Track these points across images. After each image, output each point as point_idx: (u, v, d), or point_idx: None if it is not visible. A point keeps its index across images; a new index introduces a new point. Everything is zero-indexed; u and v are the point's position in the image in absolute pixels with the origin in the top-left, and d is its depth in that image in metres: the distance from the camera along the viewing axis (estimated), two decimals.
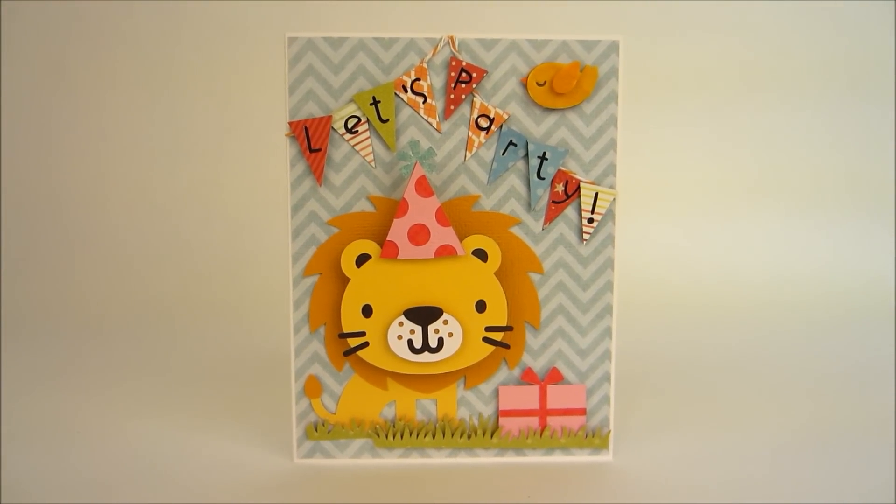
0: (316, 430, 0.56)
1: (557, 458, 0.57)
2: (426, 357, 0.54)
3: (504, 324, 0.54)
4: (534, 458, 0.57)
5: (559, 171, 0.54)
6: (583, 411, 0.57)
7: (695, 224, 1.06)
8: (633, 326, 0.86)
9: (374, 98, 0.53)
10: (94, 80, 1.06)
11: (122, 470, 0.55)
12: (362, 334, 0.54)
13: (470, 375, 0.56)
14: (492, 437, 0.56)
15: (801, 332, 0.92)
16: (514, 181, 0.55)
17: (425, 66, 0.53)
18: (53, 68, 1.06)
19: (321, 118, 0.53)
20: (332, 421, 0.57)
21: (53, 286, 1.02)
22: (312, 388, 0.56)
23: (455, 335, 0.53)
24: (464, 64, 0.53)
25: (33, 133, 1.07)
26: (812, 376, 0.77)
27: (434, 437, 0.56)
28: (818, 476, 0.54)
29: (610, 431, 0.57)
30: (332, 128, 0.54)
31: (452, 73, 0.53)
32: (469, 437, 0.56)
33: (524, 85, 0.54)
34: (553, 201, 0.55)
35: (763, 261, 1.05)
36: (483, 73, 0.53)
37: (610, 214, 0.55)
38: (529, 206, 0.55)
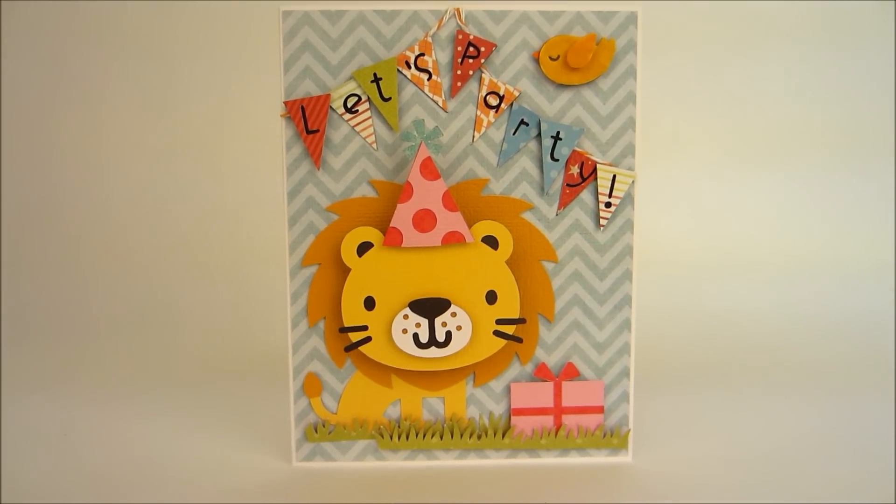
0: (316, 432, 0.56)
1: (573, 459, 0.56)
2: (433, 352, 0.53)
3: (516, 316, 0.53)
4: (548, 460, 0.56)
5: (574, 151, 0.53)
6: (600, 409, 0.56)
7: (720, 209, 1.05)
8: (654, 318, 0.85)
9: (375, 75, 0.52)
10: (84, 61, 1.05)
11: (112, 473, 0.55)
12: (364, 328, 0.53)
13: (480, 372, 0.55)
14: (503, 437, 0.56)
15: (830, 328, 0.91)
16: (525, 163, 0.54)
17: (430, 40, 0.52)
18: (52, 56, 1.05)
19: (319, 97, 0.52)
20: (332, 421, 0.56)
21: (41, 277, 1.01)
22: (312, 386, 0.56)
23: (464, 328, 0.53)
24: (471, 37, 0.52)
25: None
26: (841, 374, 0.76)
27: (442, 438, 0.55)
28: (845, 476, 0.53)
29: (629, 431, 0.56)
30: (331, 107, 0.53)
31: (459, 48, 0.52)
32: (479, 437, 0.56)
33: (536, 60, 0.53)
34: (567, 184, 0.54)
35: (794, 248, 1.04)
36: (492, 47, 0.52)
37: (629, 198, 0.54)
38: (542, 190, 0.54)
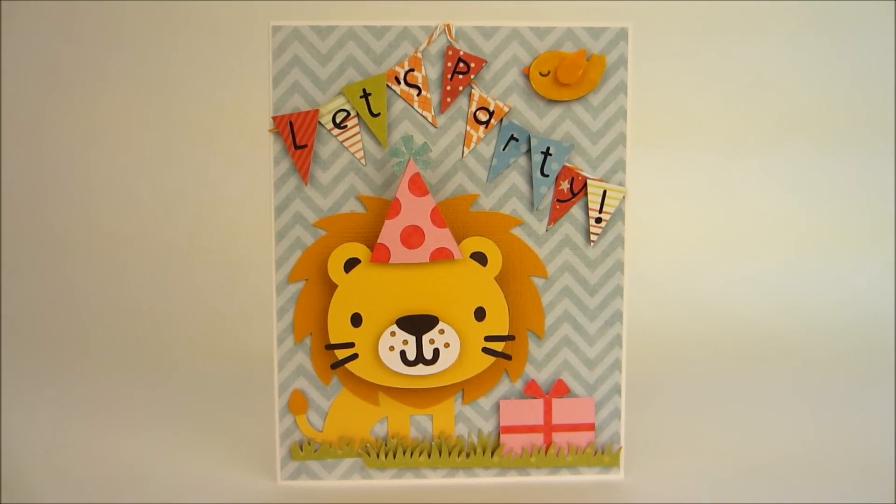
0: (301, 450, 0.55)
1: (564, 477, 0.56)
2: (420, 370, 0.53)
3: (505, 333, 0.53)
4: (538, 478, 0.56)
5: (564, 167, 0.54)
6: (591, 426, 0.56)
7: (712, 225, 1.05)
8: (645, 334, 0.85)
9: (364, 90, 0.52)
10: (76, 73, 1.05)
11: (93, 490, 0.54)
12: (351, 345, 0.53)
13: (468, 389, 0.55)
14: (492, 455, 0.55)
15: (826, 342, 0.91)
16: (515, 179, 0.54)
17: (420, 55, 0.53)
18: (44, 68, 1.05)
19: (307, 112, 0.52)
20: (318, 439, 0.56)
21: (23, 285, 1.00)
22: (297, 403, 0.55)
23: (452, 346, 0.53)
24: (461, 53, 0.52)
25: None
26: (837, 388, 0.76)
27: (430, 457, 0.55)
28: (841, 492, 0.53)
29: (621, 448, 0.56)
30: (319, 122, 0.53)
31: (449, 64, 0.52)
32: (468, 455, 0.55)
33: (526, 75, 0.53)
34: (558, 200, 0.54)
35: (789, 263, 1.04)
36: (482, 62, 0.52)
37: (619, 214, 0.54)
38: (532, 206, 0.54)
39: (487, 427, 0.56)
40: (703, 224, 1.06)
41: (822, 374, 0.81)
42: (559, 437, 0.56)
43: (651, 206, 1.03)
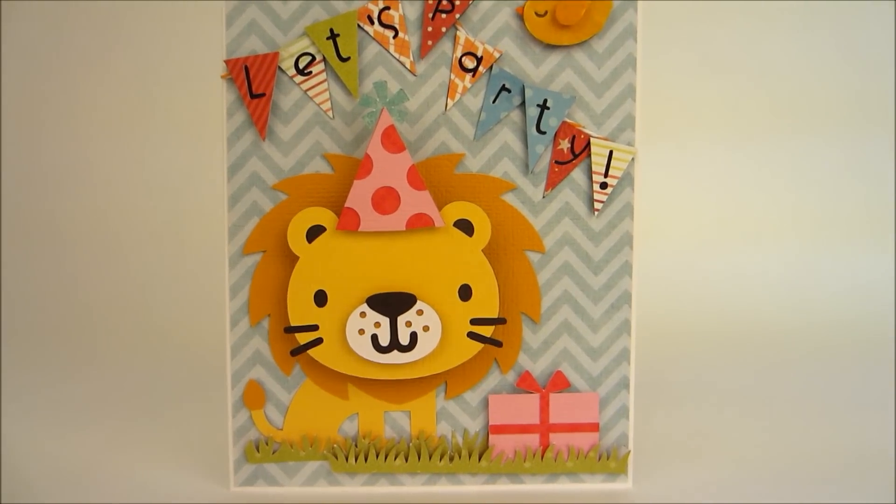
0: (258, 451, 0.49)
1: (563, 485, 0.50)
2: (395, 357, 0.46)
3: (495, 315, 0.47)
4: (533, 487, 0.50)
5: (564, 123, 0.47)
6: (595, 426, 0.49)
7: (735, 190, 0.97)
8: (658, 319, 0.78)
9: (331, 31, 0.46)
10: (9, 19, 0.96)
11: (28, 493, 0.48)
12: (315, 328, 0.46)
13: (452, 381, 0.49)
14: (480, 459, 0.49)
15: (846, 336, 0.84)
16: (507, 136, 0.47)
17: None
18: None
19: (265, 56, 0.46)
20: (278, 438, 0.49)
21: None
22: (253, 396, 0.49)
23: (432, 329, 0.46)
24: None
25: None
26: (855, 393, 0.70)
27: (407, 460, 0.49)
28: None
29: (629, 452, 0.49)
30: (280, 68, 0.47)
31: (430, 1, 0.46)
32: (451, 459, 0.49)
33: (520, 15, 0.47)
34: (556, 161, 0.47)
35: (804, 254, 0.98)
36: None
37: (628, 178, 0.48)
38: (527, 168, 0.48)
39: (474, 426, 0.49)
40: (726, 192, 0.98)
41: (839, 368, 0.75)
42: (557, 439, 0.49)
43: (665, 172, 0.95)
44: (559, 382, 0.49)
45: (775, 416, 0.63)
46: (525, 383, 0.49)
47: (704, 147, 0.99)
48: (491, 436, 0.49)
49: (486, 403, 0.49)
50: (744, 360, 0.77)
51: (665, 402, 0.65)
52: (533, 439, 0.49)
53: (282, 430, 0.49)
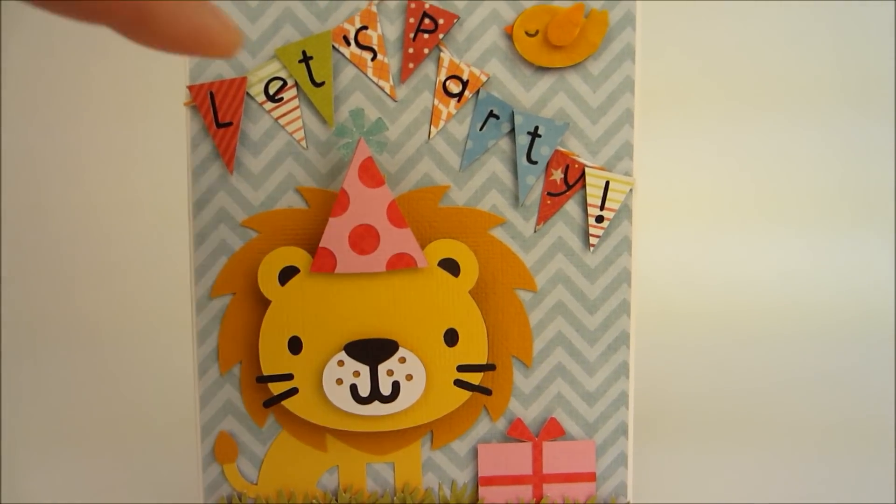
0: None
1: None
2: (376, 409, 0.42)
3: (483, 361, 0.43)
4: None
5: (557, 152, 0.44)
6: (592, 476, 0.46)
7: (736, 222, 0.94)
8: (658, 361, 0.73)
9: (304, 53, 0.42)
10: None
11: None
12: (289, 377, 0.43)
13: (439, 431, 0.45)
14: None
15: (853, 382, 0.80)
16: (495, 166, 0.44)
17: (374, 9, 0.42)
18: None
19: (232, 81, 0.42)
20: (252, 494, 0.45)
21: None
22: (225, 449, 0.45)
23: (416, 378, 0.42)
24: (427, 6, 0.42)
25: None
26: (863, 421, 0.66)
27: None
28: None
29: (628, 503, 0.46)
30: (248, 94, 0.43)
31: (412, 20, 0.42)
32: None
33: (509, 35, 0.43)
34: (549, 193, 0.44)
35: (822, 278, 0.94)
36: (453, 18, 0.42)
37: (625, 211, 0.44)
38: (517, 200, 0.44)
39: (463, 477, 0.46)
40: (730, 224, 0.94)
41: (854, 416, 0.70)
42: (552, 490, 0.46)
43: (666, 200, 0.91)
44: (553, 430, 0.46)
45: (792, 463, 0.59)
46: (517, 431, 0.46)
47: (710, 170, 0.95)
48: (481, 488, 0.46)
49: (475, 453, 0.46)
50: (756, 404, 0.71)
51: (667, 450, 0.61)
52: (526, 491, 0.46)
53: (256, 484, 0.46)
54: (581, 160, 0.44)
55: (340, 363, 0.42)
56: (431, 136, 0.44)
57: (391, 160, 0.44)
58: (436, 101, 0.43)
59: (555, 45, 0.43)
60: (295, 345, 0.43)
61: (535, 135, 0.44)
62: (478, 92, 0.43)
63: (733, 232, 0.95)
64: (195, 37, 0.23)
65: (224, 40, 0.24)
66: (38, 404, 0.69)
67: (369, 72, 0.43)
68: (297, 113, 0.43)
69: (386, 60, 0.43)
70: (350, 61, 0.43)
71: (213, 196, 0.44)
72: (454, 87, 0.43)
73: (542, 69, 0.44)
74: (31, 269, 0.85)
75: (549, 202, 0.44)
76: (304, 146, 0.43)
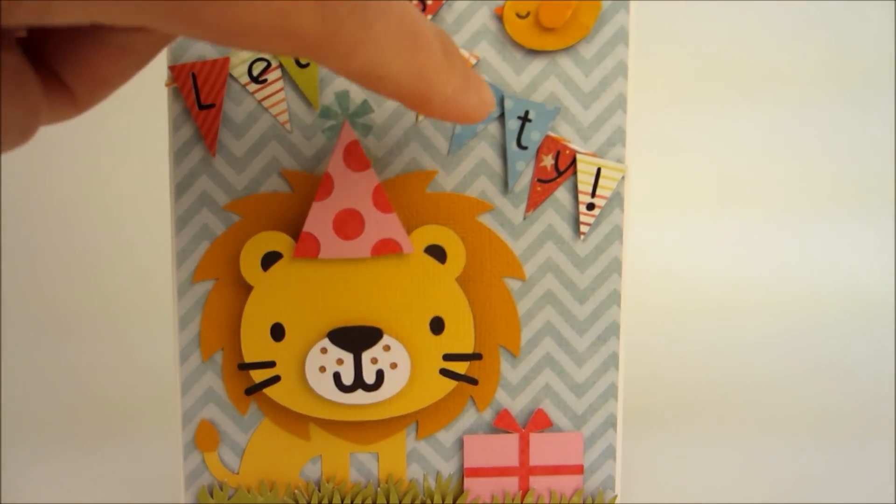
0: (212, 496, 0.45)
1: None
2: (360, 397, 0.42)
3: (470, 350, 0.43)
4: None
5: (547, 137, 0.43)
6: (579, 469, 0.45)
7: (731, 212, 0.94)
8: (648, 352, 0.73)
9: None
10: None
11: None
12: (272, 365, 0.42)
13: (424, 421, 0.45)
14: None
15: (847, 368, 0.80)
16: (484, 151, 0.43)
17: None
18: None
19: (215, 61, 0.41)
20: (233, 483, 0.45)
21: None
22: (206, 437, 0.44)
23: (400, 366, 0.42)
24: None
25: None
26: (860, 413, 0.66)
27: None
28: None
29: (616, 496, 0.46)
30: (231, 75, 0.42)
31: None
32: None
33: (499, 17, 0.42)
34: (539, 180, 0.43)
35: (822, 266, 0.93)
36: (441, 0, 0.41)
37: (617, 199, 0.44)
38: (506, 187, 0.43)
39: (448, 469, 0.45)
40: (723, 211, 0.93)
41: (852, 401, 0.70)
42: (538, 482, 0.45)
43: (659, 188, 0.91)
44: (540, 421, 0.45)
45: (784, 454, 0.59)
46: (503, 422, 0.45)
47: (706, 157, 0.95)
48: (466, 479, 0.45)
49: (460, 444, 0.45)
50: (748, 394, 0.71)
51: (655, 442, 0.60)
52: (512, 483, 0.45)
53: (238, 473, 0.45)
54: (572, 146, 0.43)
55: (324, 350, 0.41)
56: (419, 120, 0.43)
57: (377, 144, 0.43)
58: None
59: (546, 28, 0.42)
60: (277, 331, 0.42)
61: (525, 119, 0.43)
62: None
63: (727, 222, 0.95)
64: (459, 118, 0.29)
65: (479, 114, 0.30)
66: (12, 390, 0.69)
67: None
68: (281, 95, 0.42)
69: None
70: None
71: (195, 179, 0.43)
72: None
73: (533, 52, 0.43)
74: (7, 256, 0.84)
75: (539, 189, 0.44)
76: (289, 129, 0.43)
